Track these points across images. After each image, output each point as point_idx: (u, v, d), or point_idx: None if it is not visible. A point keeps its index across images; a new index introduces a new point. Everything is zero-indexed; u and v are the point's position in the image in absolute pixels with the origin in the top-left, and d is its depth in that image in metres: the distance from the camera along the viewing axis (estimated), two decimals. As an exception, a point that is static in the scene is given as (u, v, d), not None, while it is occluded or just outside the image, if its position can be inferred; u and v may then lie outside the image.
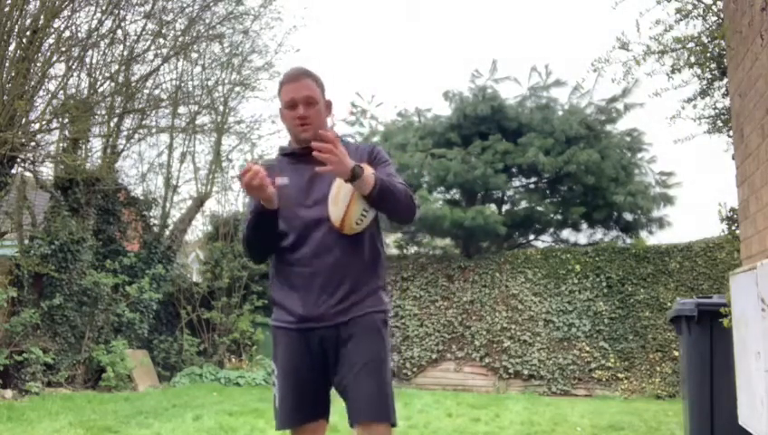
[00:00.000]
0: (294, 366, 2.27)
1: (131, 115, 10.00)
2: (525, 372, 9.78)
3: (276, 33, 16.05)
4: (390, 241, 11.23)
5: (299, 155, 2.36)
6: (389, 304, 2.40)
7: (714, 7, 4.31)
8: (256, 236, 2.30)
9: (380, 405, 2.17)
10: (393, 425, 2.19)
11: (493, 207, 10.98)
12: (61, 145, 9.08)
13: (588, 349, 9.62)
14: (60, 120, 8.64)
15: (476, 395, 9.12)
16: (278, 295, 2.33)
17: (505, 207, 11.33)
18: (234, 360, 10.44)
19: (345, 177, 2.11)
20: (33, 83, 7.90)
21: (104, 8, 8.49)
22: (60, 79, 8.46)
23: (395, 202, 2.24)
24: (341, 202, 2.18)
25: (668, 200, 10.69)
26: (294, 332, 2.27)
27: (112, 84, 9.40)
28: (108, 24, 8.77)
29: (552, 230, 11.57)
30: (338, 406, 2.53)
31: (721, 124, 4.57)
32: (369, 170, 2.15)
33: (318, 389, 2.29)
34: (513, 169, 10.75)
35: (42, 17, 7.81)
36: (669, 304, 9.09)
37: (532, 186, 11.33)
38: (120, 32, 9.10)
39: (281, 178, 2.30)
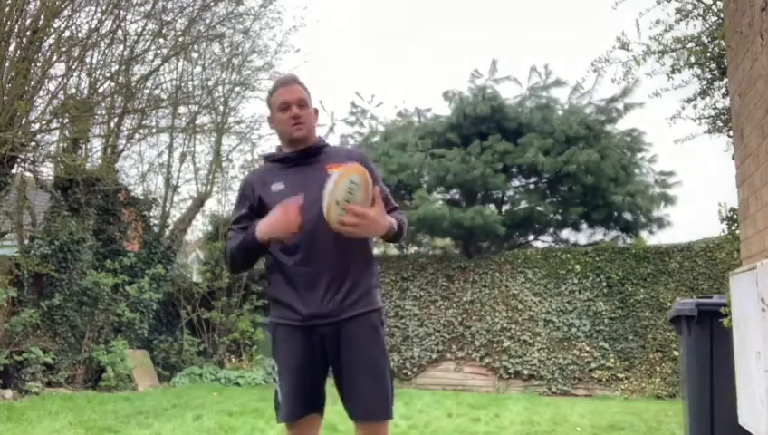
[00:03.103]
0: (300, 363, 2.35)
1: (131, 115, 10.01)
2: (525, 372, 9.77)
3: (276, 34, 16.00)
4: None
5: (292, 159, 2.46)
6: (382, 303, 2.52)
7: (714, 7, 4.31)
8: (246, 260, 2.43)
9: (382, 405, 2.34)
10: (391, 418, 2.39)
11: (492, 207, 10.98)
12: (61, 145, 9.09)
13: (588, 349, 9.62)
14: (60, 120, 8.64)
15: (476, 395, 9.12)
16: (280, 294, 2.39)
17: (505, 208, 11.32)
18: (234, 360, 10.44)
19: (378, 236, 2.33)
20: (33, 83, 7.90)
21: (104, 8, 8.49)
22: (60, 79, 8.48)
23: (396, 237, 2.45)
24: (324, 201, 2.22)
25: (668, 200, 10.68)
26: (299, 329, 2.34)
27: (112, 84, 9.40)
28: (108, 24, 8.78)
29: (551, 230, 11.57)
30: (338, 407, 2.54)
31: (721, 124, 4.57)
32: (394, 222, 2.37)
33: (319, 384, 2.41)
34: (513, 170, 10.74)
35: (42, 17, 7.81)
36: (669, 304, 9.09)
37: (531, 186, 11.32)
38: (120, 32, 9.10)
39: (276, 185, 2.40)
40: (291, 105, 2.43)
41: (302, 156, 2.46)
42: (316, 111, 2.56)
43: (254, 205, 2.44)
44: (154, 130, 10.63)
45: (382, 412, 2.34)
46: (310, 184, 2.31)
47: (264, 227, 2.29)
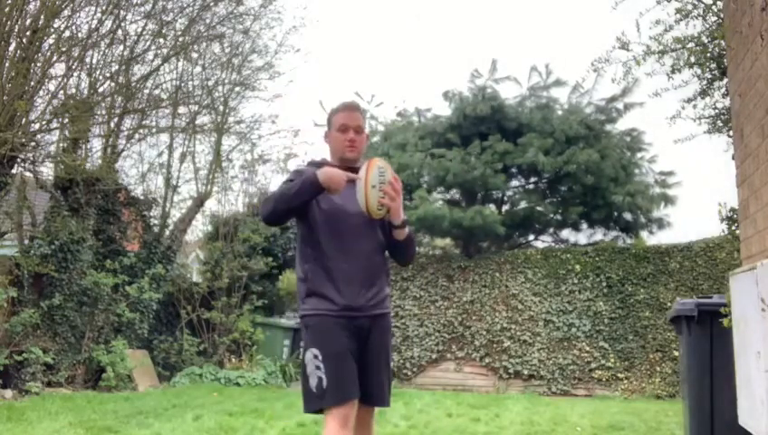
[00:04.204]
0: (345, 348, 2.61)
1: (131, 115, 10.00)
2: (525, 372, 9.77)
3: (276, 34, 15.96)
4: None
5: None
6: None
7: (714, 7, 4.31)
8: (297, 197, 2.60)
9: (389, 395, 2.79)
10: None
11: (492, 207, 10.98)
12: (61, 145, 9.07)
13: (588, 349, 9.62)
14: (60, 120, 8.63)
15: (476, 395, 9.12)
16: (320, 288, 2.66)
17: (505, 208, 11.32)
18: (234, 360, 10.43)
19: (396, 223, 2.70)
20: (33, 83, 7.89)
21: (104, 8, 8.47)
22: (60, 79, 8.46)
23: (408, 252, 2.86)
24: (361, 191, 2.59)
25: (668, 200, 10.67)
26: (340, 318, 2.62)
27: (112, 84, 9.39)
28: (108, 24, 8.76)
29: (551, 230, 11.56)
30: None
31: (721, 124, 4.57)
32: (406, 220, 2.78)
33: (356, 370, 2.64)
34: (513, 170, 10.74)
35: (42, 17, 7.80)
36: (669, 304, 9.09)
37: (531, 186, 11.32)
38: (120, 32, 9.09)
39: None
40: (349, 129, 2.76)
41: (348, 170, 2.74)
42: (367, 137, 2.93)
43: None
44: (154, 130, 10.62)
45: (389, 400, 2.78)
46: (353, 196, 2.62)
47: (328, 172, 2.59)
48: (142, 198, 10.71)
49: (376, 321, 2.70)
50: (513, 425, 6.18)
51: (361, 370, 2.64)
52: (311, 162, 2.93)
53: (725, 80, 4.29)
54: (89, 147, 9.65)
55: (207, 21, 10.02)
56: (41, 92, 8.23)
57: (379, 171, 2.58)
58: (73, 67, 8.50)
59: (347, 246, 2.67)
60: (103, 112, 9.51)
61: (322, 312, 2.63)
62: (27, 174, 8.97)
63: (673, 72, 4.40)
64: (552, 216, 10.91)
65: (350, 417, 2.53)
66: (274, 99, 13.39)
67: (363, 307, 2.65)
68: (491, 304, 10.13)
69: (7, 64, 7.57)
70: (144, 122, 10.31)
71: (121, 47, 9.34)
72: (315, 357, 2.57)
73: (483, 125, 10.60)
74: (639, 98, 10.46)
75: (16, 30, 7.74)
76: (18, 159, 8.28)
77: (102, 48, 9.06)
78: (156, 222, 10.80)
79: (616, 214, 10.72)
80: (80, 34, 8.47)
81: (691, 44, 4.36)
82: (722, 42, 4.12)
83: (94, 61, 9.08)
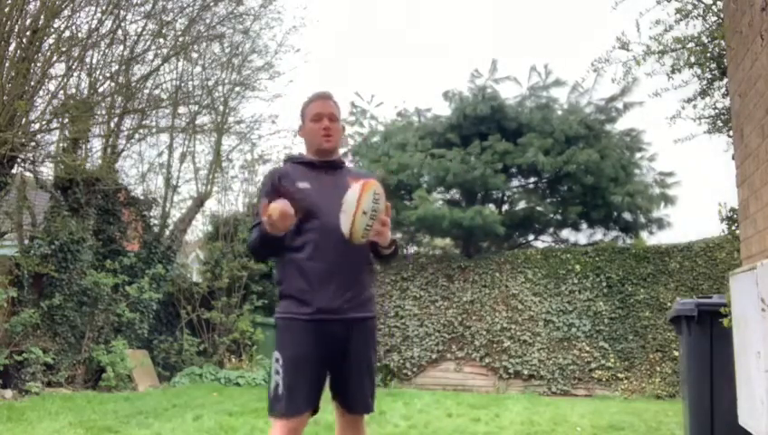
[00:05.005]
0: (307, 356, 2.47)
1: (131, 115, 10.00)
2: (525, 372, 9.77)
3: (276, 34, 16.01)
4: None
5: (317, 166, 2.67)
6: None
7: (714, 7, 4.32)
8: (266, 250, 2.58)
9: (372, 400, 2.63)
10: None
11: (492, 207, 10.98)
12: (61, 145, 9.08)
13: (588, 349, 9.62)
14: (60, 120, 8.63)
15: (476, 395, 9.12)
16: (293, 289, 2.53)
17: (505, 208, 11.33)
18: (234, 360, 10.43)
19: (384, 244, 2.53)
20: (33, 83, 7.89)
21: (104, 8, 8.47)
22: (60, 79, 8.46)
23: (391, 261, 2.78)
24: (349, 212, 2.38)
25: (668, 200, 10.68)
26: (310, 323, 2.48)
27: (112, 84, 9.39)
28: (108, 24, 8.77)
29: (551, 230, 11.57)
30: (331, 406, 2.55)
31: (721, 124, 4.57)
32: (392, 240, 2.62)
33: (321, 380, 2.54)
34: (513, 170, 10.74)
35: (42, 17, 7.80)
36: (669, 304, 9.09)
37: (531, 186, 11.33)
38: (120, 32, 9.09)
39: (302, 182, 2.60)
40: (323, 117, 2.65)
41: (326, 165, 2.68)
42: (343, 129, 2.83)
43: (275, 197, 2.51)
44: (154, 130, 10.62)
45: (373, 406, 2.64)
46: (332, 189, 2.51)
47: (267, 221, 2.38)
48: (142, 198, 10.71)
49: (356, 326, 2.54)
50: (513, 425, 6.18)
51: (341, 377, 2.55)
52: (287, 157, 2.85)
53: (725, 80, 4.30)
54: (89, 147, 9.65)
55: (207, 21, 10.04)
56: (41, 92, 8.23)
57: (374, 198, 2.40)
58: (73, 67, 8.51)
59: (323, 246, 2.51)
60: (103, 112, 9.51)
61: (292, 315, 2.51)
62: (27, 174, 8.97)
63: (673, 72, 4.41)
64: (551, 216, 10.92)
65: (296, 431, 2.44)
66: (274, 99, 13.42)
67: (339, 309, 2.49)
68: (491, 304, 10.13)
69: (7, 64, 7.57)
70: (144, 122, 10.31)
71: (121, 47, 9.35)
72: (277, 361, 2.48)
73: (483, 125, 10.60)
74: (639, 98, 10.49)
75: (16, 30, 7.73)
76: (18, 159, 8.28)
77: (102, 48, 9.07)
78: (156, 222, 10.80)
79: (616, 214, 10.72)
80: (80, 34, 8.47)
81: (691, 44, 4.37)
82: (722, 42, 4.12)
83: (94, 61, 9.09)
